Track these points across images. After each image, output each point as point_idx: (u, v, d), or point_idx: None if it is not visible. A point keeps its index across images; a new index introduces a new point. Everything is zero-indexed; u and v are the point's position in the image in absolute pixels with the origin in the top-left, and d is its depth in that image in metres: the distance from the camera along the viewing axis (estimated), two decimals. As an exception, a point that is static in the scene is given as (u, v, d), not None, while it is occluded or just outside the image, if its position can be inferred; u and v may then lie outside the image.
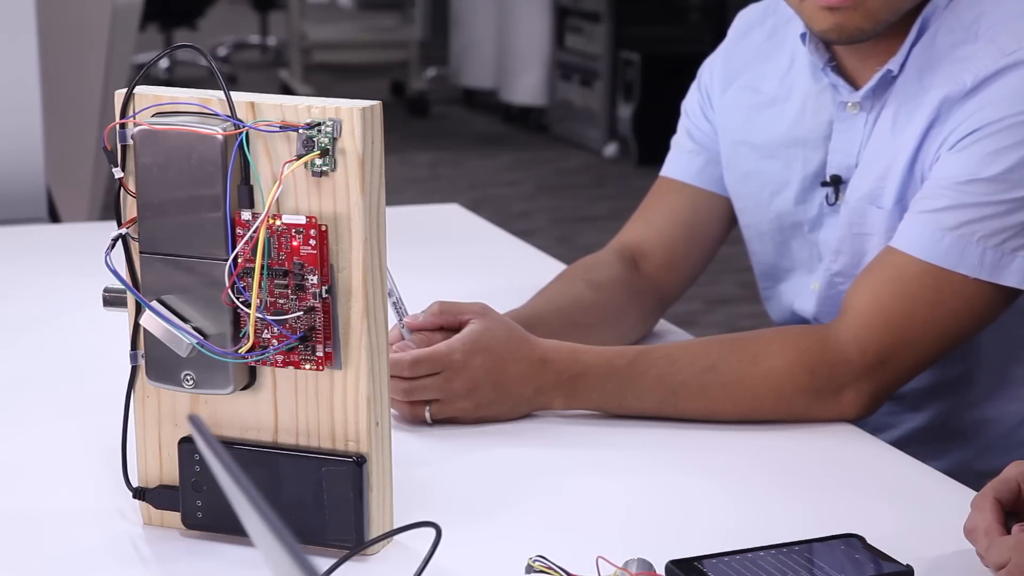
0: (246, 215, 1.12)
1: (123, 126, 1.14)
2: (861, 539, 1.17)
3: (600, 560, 1.09)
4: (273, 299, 1.13)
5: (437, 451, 1.37)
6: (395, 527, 1.16)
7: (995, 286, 1.42)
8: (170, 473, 1.19)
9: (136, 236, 1.15)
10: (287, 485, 1.15)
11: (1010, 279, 1.42)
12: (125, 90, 1.15)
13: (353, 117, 1.10)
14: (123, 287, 1.15)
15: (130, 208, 1.16)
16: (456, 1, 7.73)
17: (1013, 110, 1.43)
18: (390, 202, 1.16)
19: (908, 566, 1.13)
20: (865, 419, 1.46)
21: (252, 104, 1.12)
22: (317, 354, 1.13)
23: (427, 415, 1.41)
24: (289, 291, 1.13)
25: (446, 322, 1.44)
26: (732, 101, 1.67)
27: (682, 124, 1.74)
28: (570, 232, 5.33)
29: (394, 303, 1.41)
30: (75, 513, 1.24)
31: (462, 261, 2.01)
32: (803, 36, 1.57)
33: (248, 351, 1.13)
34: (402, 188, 5.77)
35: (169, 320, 1.13)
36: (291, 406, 1.16)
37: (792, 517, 1.24)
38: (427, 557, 1.08)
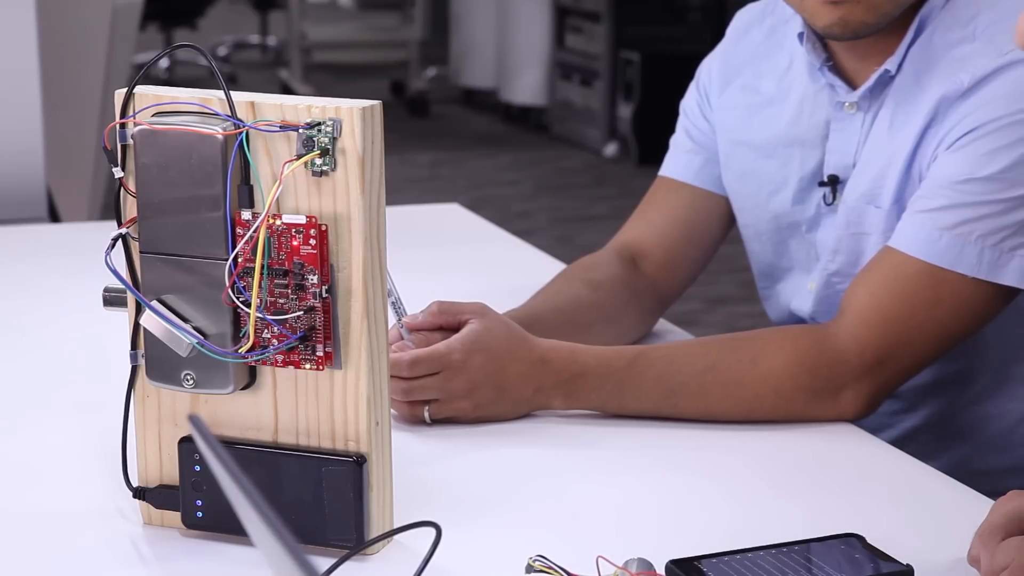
0: (246, 215, 1.12)
1: (123, 126, 1.14)
2: (861, 539, 1.17)
3: (600, 560, 1.09)
4: (273, 299, 1.13)
5: (437, 451, 1.37)
6: (395, 527, 1.16)
7: (993, 285, 1.42)
8: (170, 473, 1.19)
9: (136, 236, 1.15)
10: (287, 485, 1.15)
11: (1008, 278, 1.42)
12: (125, 90, 1.15)
13: (353, 117, 1.10)
14: (123, 287, 1.16)
15: (130, 208, 1.16)
16: (456, 1, 7.73)
17: (1010, 109, 1.43)
18: (390, 202, 1.17)
19: (908, 565, 1.13)
20: (864, 418, 1.46)
21: (252, 104, 1.12)
22: (317, 354, 1.13)
23: (426, 415, 1.41)
24: (289, 291, 1.13)
25: (445, 322, 1.44)
26: (730, 101, 1.67)
27: (681, 124, 1.74)
28: (570, 232, 5.33)
29: (393, 303, 1.41)
30: (75, 513, 1.24)
31: (462, 261, 2.01)
32: (800, 36, 1.57)
33: (248, 351, 1.13)
34: (402, 188, 5.78)
35: (169, 320, 1.14)
36: (291, 406, 1.16)
37: (791, 517, 1.24)
38: (427, 557, 1.09)
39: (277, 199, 1.12)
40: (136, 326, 1.17)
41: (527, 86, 7.13)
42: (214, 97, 1.13)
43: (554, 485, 1.31)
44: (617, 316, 1.63)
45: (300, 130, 1.11)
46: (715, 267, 1.88)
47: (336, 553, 1.13)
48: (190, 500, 1.17)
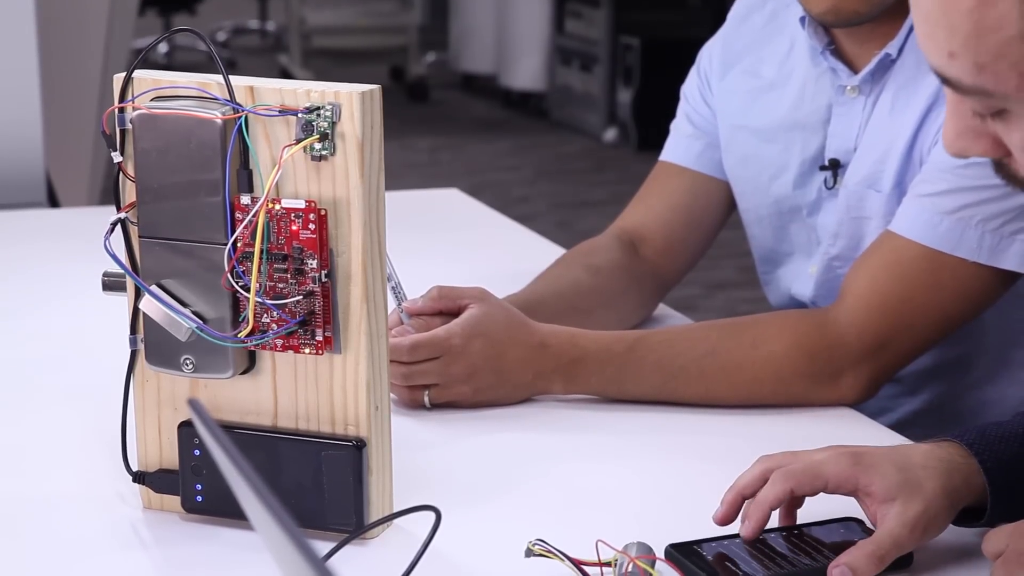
0: (245, 199, 1.12)
1: (122, 110, 1.14)
2: (860, 522, 1.17)
3: (600, 544, 1.09)
4: (272, 283, 1.13)
5: (436, 435, 1.37)
6: (395, 511, 1.16)
7: (994, 269, 1.42)
8: (170, 457, 1.19)
9: (135, 220, 1.15)
10: (287, 469, 1.15)
11: (1008, 262, 1.42)
12: (124, 74, 1.15)
13: (352, 101, 1.10)
14: (122, 271, 1.15)
15: (129, 192, 1.16)
16: (455, -14, 7.72)
17: (1012, 94, 1.42)
18: (389, 187, 1.16)
19: (907, 549, 1.13)
20: (864, 403, 1.46)
21: (251, 88, 1.12)
22: (316, 338, 1.13)
23: (426, 400, 1.41)
24: (288, 275, 1.13)
25: (445, 307, 1.44)
26: (731, 85, 1.67)
27: (681, 108, 1.74)
28: (569, 217, 5.33)
29: (393, 288, 1.41)
30: (75, 497, 1.24)
31: (461, 246, 2.01)
32: (802, 20, 1.57)
33: (247, 335, 1.13)
34: (402, 173, 5.77)
35: (168, 304, 1.13)
36: (291, 390, 1.16)
37: (791, 501, 1.24)
38: (427, 541, 1.09)
39: (276, 184, 1.12)
40: (135, 311, 1.17)
41: (527, 71, 7.12)
42: (213, 82, 1.13)
43: (554, 469, 1.31)
44: (617, 301, 1.63)
45: (299, 114, 1.10)
46: (715, 252, 1.88)
47: (336, 537, 1.13)
48: (190, 484, 1.17)
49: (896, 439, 1.38)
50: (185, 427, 1.18)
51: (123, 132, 1.15)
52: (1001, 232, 1.41)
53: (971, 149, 0.92)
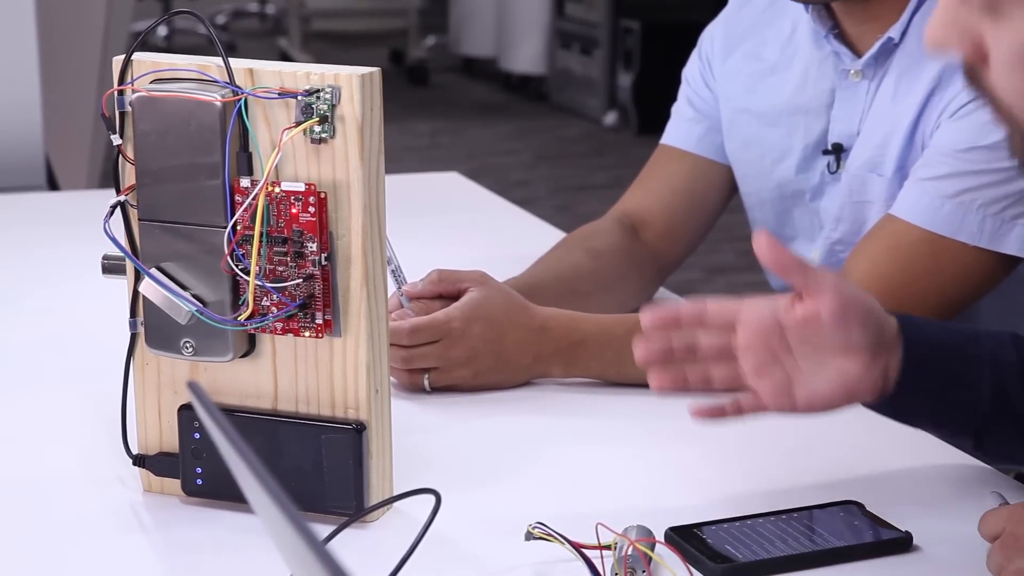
0: (245, 182, 1.12)
1: (121, 93, 1.14)
2: (860, 506, 1.17)
3: (599, 527, 1.09)
4: (272, 266, 1.13)
5: (436, 419, 1.37)
6: (395, 494, 1.16)
7: (994, 254, 1.42)
8: (170, 440, 1.19)
9: (135, 203, 1.15)
10: (287, 452, 1.15)
11: (1009, 247, 1.42)
12: (123, 56, 1.14)
13: (352, 84, 1.10)
14: (122, 254, 1.15)
15: (129, 175, 1.15)
16: (455, -31, 7.70)
17: (1014, 77, 1.42)
18: (389, 171, 1.16)
19: (907, 532, 1.13)
20: (864, 387, 1.45)
21: (251, 71, 1.12)
22: (316, 321, 1.13)
23: (426, 383, 1.41)
24: (288, 258, 1.12)
25: (445, 290, 1.44)
26: (733, 69, 1.67)
27: (683, 92, 1.73)
28: (569, 201, 5.32)
29: (393, 271, 1.41)
30: (75, 480, 1.24)
31: (461, 229, 2.01)
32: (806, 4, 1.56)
33: (247, 318, 1.13)
34: (401, 157, 5.76)
35: (168, 287, 1.13)
36: (291, 373, 1.16)
37: (791, 484, 1.24)
38: (427, 524, 1.09)
39: (276, 166, 1.11)
40: (135, 294, 1.16)
41: (527, 55, 7.11)
42: (212, 64, 1.12)
43: (554, 453, 1.31)
44: (617, 284, 1.63)
45: (299, 97, 1.10)
46: (715, 236, 1.87)
47: (336, 520, 1.13)
48: (190, 467, 1.18)
49: (895, 423, 1.38)
50: (185, 410, 1.18)
51: (122, 115, 1.14)
52: (1002, 216, 1.41)
53: (951, 43, 0.90)
